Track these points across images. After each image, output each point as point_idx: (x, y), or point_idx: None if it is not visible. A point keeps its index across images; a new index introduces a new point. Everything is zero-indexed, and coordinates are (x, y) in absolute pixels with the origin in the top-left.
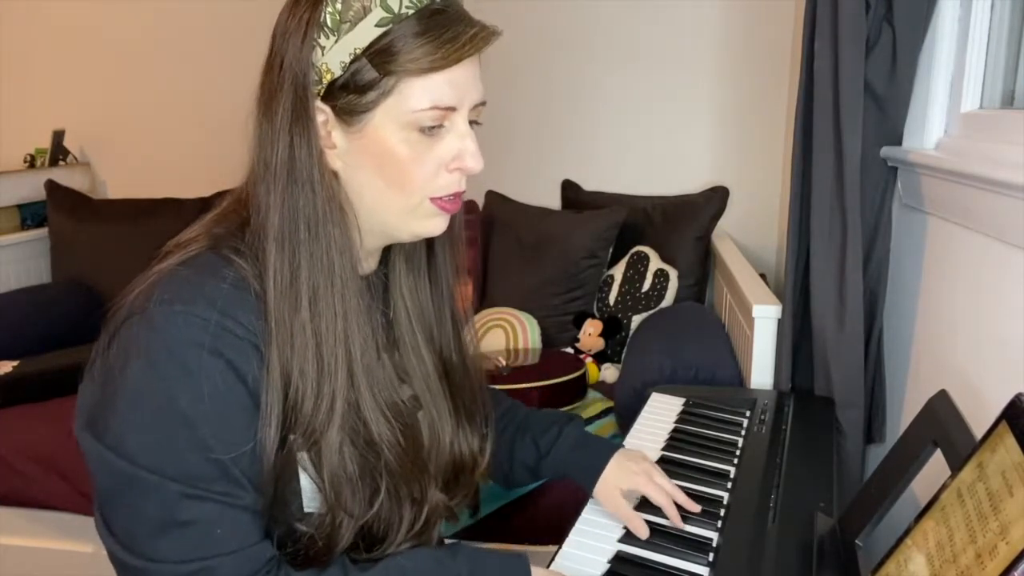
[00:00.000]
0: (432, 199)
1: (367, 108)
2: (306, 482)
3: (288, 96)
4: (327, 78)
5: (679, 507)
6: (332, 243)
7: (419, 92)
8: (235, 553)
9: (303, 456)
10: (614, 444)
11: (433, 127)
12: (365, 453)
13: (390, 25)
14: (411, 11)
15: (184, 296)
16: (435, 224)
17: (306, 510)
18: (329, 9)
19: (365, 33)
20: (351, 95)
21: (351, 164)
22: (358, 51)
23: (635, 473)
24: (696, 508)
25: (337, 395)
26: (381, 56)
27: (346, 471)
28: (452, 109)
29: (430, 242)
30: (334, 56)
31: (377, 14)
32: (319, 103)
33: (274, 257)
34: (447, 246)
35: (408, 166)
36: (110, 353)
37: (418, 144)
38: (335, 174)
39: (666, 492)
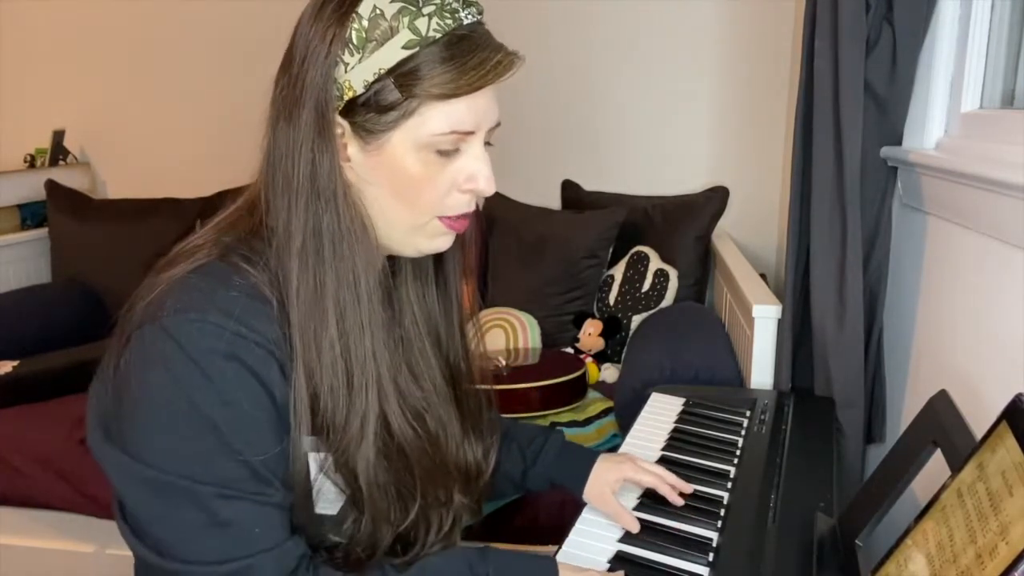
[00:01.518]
0: (441, 218)
1: (386, 128)
2: (326, 486)
3: (310, 111)
4: (348, 94)
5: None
6: (357, 259)
7: (440, 116)
8: (273, 550)
9: (328, 462)
10: (597, 451)
11: (450, 150)
12: (396, 462)
13: (417, 48)
14: (438, 35)
15: (197, 304)
16: (441, 242)
17: (317, 511)
18: (356, 26)
19: (391, 54)
20: (371, 113)
21: (363, 179)
22: (382, 71)
23: (619, 462)
24: (688, 488)
25: (369, 410)
26: (405, 78)
27: (381, 482)
28: (470, 133)
29: None
30: (357, 74)
31: (404, 36)
32: (337, 117)
33: (297, 274)
34: (457, 253)
35: (421, 185)
36: (124, 362)
37: (433, 164)
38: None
39: (654, 473)
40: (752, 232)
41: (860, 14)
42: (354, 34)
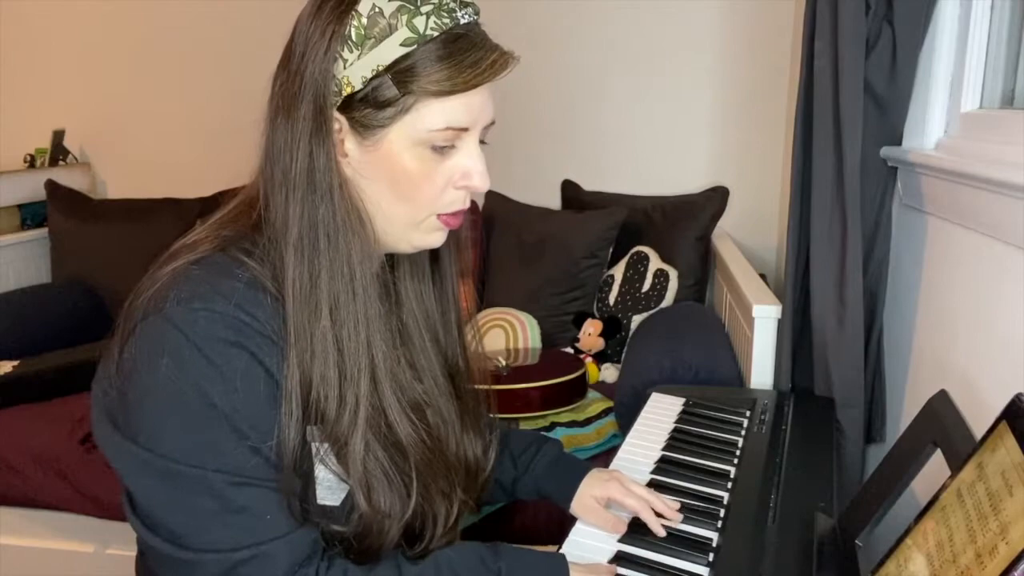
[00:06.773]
0: (438, 215)
1: (383, 124)
2: (323, 475)
3: (309, 106)
4: (347, 90)
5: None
6: (352, 252)
7: (436, 113)
8: (286, 536)
9: (326, 451)
10: (588, 464)
11: (445, 146)
12: (393, 453)
13: (415, 46)
14: (436, 33)
15: (201, 294)
16: (435, 238)
17: (319, 502)
18: (355, 23)
19: (389, 51)
20: (369, 109)
21: (361, 174)
22: (381, 68)
23: (607, 481)
24: (678, 517)
25: (361, 401)
26: (403, 75)
27: (376, 473)
28: (465, 130)
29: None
30: (356, 70)
31: (403, 33)
32: (335, 113)
33: (293, 266)
34: (452, 251)
35: (418, 181)
36: (129, 354)
37: (429, 161)
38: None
39: (640, 497)
40: (752, 232)
41: (860, 14)
42: (353, 31)
